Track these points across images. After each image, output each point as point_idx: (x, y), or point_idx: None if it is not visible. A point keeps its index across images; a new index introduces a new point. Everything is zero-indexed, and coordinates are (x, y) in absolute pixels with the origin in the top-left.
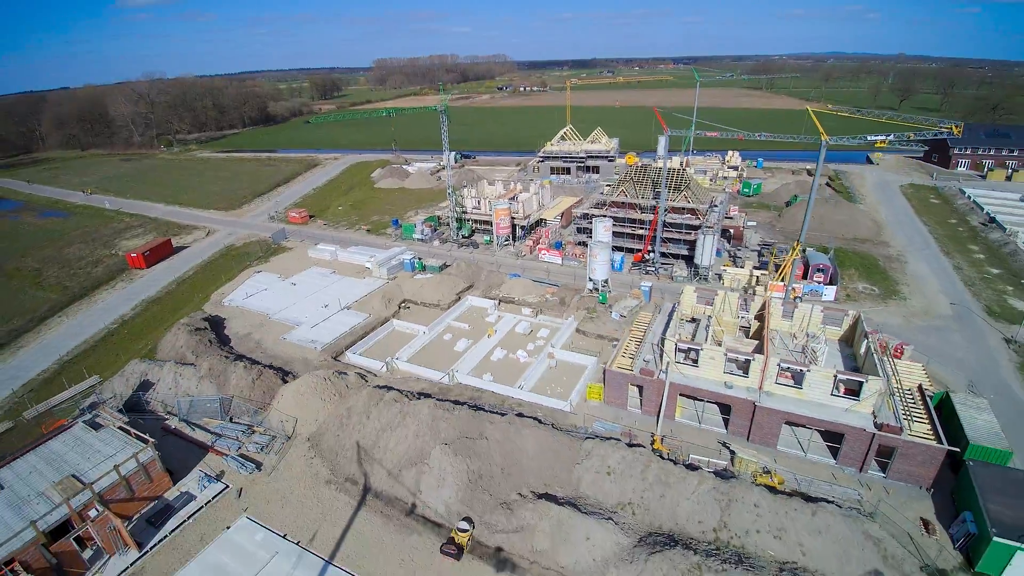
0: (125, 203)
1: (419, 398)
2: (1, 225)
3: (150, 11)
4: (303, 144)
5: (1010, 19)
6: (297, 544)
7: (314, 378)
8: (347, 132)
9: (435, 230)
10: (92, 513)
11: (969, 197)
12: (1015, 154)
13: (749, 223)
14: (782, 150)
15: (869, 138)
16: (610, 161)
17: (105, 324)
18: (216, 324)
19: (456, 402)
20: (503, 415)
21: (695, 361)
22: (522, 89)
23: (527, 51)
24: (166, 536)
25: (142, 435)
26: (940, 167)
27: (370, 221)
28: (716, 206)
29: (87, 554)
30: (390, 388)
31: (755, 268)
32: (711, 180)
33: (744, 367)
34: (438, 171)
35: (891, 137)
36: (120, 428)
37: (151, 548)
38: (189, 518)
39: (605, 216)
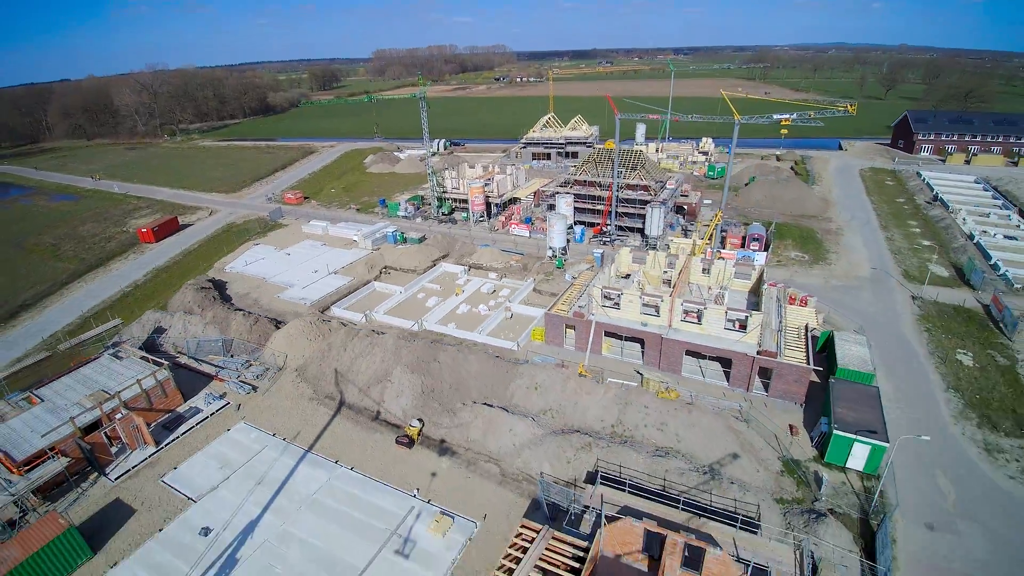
0: (132, 187)
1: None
2: (16, 208)
3: (150, 3)
4: (301, 133)
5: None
6: (283, 440)
7: (302, 322)
8: (343, 122)
9: (418, 208)
10: (119, 416)
11: (923, 179)
12: (977, 139)
13: (705, 201)
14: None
15: (775, 116)
16: (588, 147)
17: (120, 288)
18: (219, 286)
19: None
20: (454, 346)
21: (618, 305)
22: (519, 79)
23: (528, 41)
24: (178, 437)
25: (159, 360)
26: (904, 152)
27: (360, 201)
28: (669, 185)
29: (114, 450)
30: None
31: (700, 239)
32: (681, 164)
33: (656, 308)
34: (426, 157)
35: (794, 116)
36: (140, 358)
37: (166, 444)
38: (197, 424)
39: (568, 193)
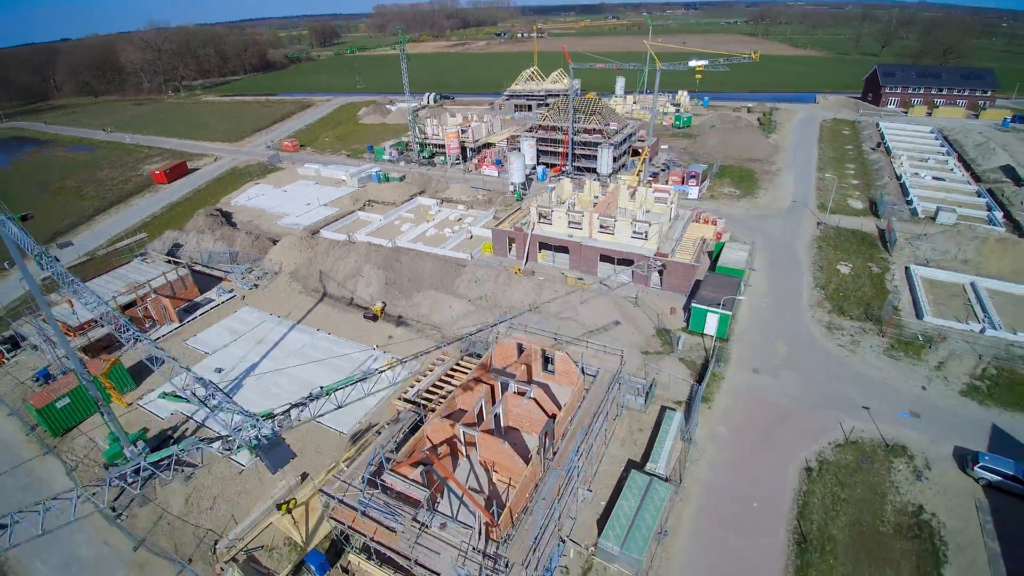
0: (142, 138)
1: None
2: (36, 159)
3: None
4: (300, 88)
5: None
6: (278, 317)
7: (294, 238)
8: (340, 77)
9: (401, 153)
10: (151, 298)
11: (879, 128)
12: (944, 92)
13: (663, 147)
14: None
15: (690, 63)
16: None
17: (140, 218)
18: (225, 215)
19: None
20: (413, 252)
21: (550, 221)
22: (520, 35)
23: None
24: (196, 317)
25: (179, 261)
26: (872, 105)
27: (351, 148)
28: (625, 130)
29: (148, 325)
30: None
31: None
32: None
33: (578, 223)
34: (417, 109)
35: (706, 63)
36: (165, 261)
37: (187, 321)
38: (211, 308)
39: (532, 136)
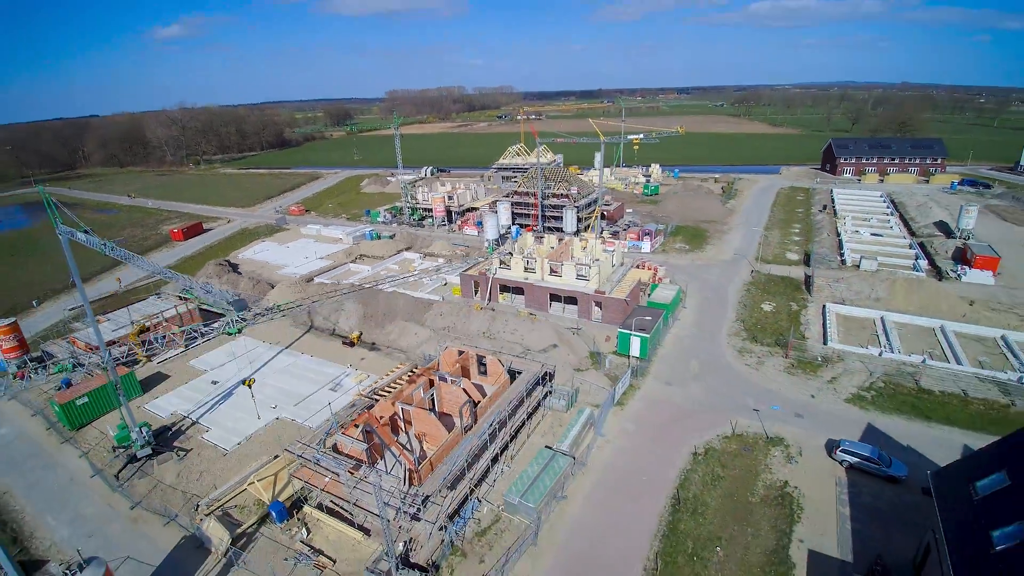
0: (163, 203)
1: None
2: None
3: (179, 43)
4: (311, 163)
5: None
6: (270, 344)
7: (289, 281)
8: (348, 154)
9: (394, 216)
10: (162, 325)
11: (831, 194)
12: (895, 161)
13: (628, 210)
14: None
15: (629, 137)
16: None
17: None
18: (232, 266)
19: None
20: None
21: (508, 266)
22: (519, 117)
23: (537, 81)
24: (199, 342)
25: (189, 298)
26: (829, 174)
27: (351, 213)
28: (587, 194)
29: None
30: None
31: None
32: (625, 185)
33: (531, 268)
34: (415, 181)
35: (641, 136)
36: (177, 296)
37: (191, 346)
38: (213, 336)
39: (508, 200)
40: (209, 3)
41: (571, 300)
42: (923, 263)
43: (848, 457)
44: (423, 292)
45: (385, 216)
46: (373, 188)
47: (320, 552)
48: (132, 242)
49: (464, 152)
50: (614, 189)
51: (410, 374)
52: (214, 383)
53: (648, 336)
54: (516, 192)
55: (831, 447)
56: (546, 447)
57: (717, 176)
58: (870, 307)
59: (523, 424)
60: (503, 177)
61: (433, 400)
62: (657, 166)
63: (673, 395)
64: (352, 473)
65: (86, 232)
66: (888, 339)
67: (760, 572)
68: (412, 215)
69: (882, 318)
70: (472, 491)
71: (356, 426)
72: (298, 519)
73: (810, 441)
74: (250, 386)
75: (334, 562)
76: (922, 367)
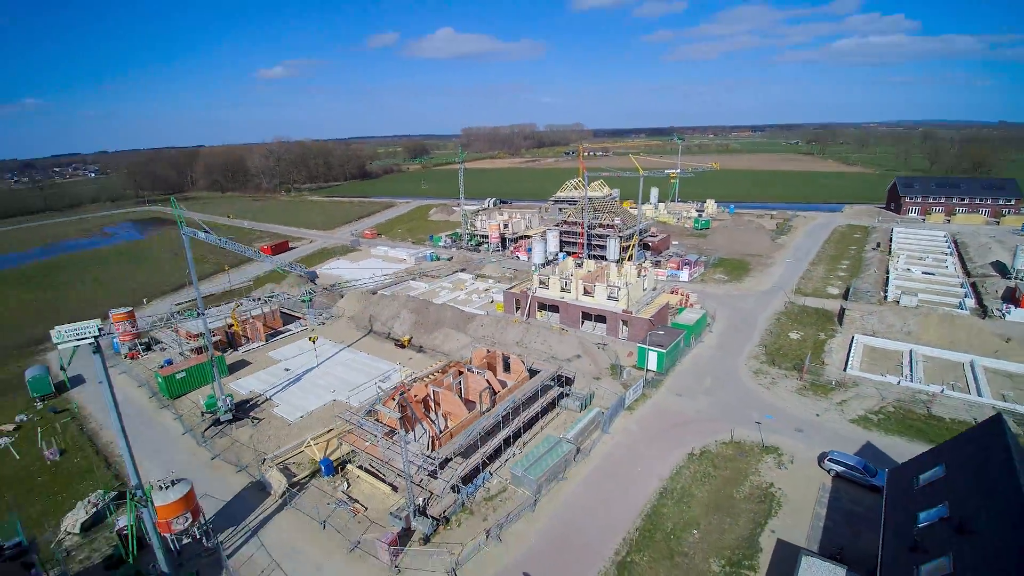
0: (257, 225)
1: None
2: (169, 234)
3: (280, 83)
4: (387, 193)
5: None
6: (334, 342)
7: (356, 293)
8: (419, 186)
9: (454, 241)
10: (248, 323)
11: (890, 233)
12: (964, 201)
13: (674, 242)
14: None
15: (666, 171)
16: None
17: (248, 278)
18: (311, 279)
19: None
20: (438, 305)
21: (546, 285)
22: (586, 154)
23: (608, 119)
24: (278, 337)
25: (270, 299)
26: (893, 213)
27: (417, 237)
28: (632, 226)
29: (244, 341)
30: None
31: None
32: (678, 219)
33: (567, 288)
34: (477, 211)
35: (678, 170)
36: (261, 300)
37: (272, 339)
38: (290, 333)
39: (556, 229)
40: (309, 48)
41: (601, 319)
42: (969, 301)
43: (835, 466)
44: (471, 307)
45: (446, 241)
46: (439, 216)
47: (356, 501)
48: (230, 255)
49: (528, 186)
50: (665, 223)
51: (445, 368)
52: (286, 370)
53: (664, 351)
54: (565, 222)
55: (822, 458)
56: (551, 435)
57: (774, 213)
58: (900, 340)
59: (538, 417)
60: (559, 209)
61: (460, 387)
62: (712, 201)
63: (682, 405)
64: (386, 438)
65: (206, 232)
66: (912, 370)
67: (729, 553)
68: (470, 241)
69: (911, 351)
70: (485, 464)
71: (392, 399)
72: (341, 475)
73: (804, 453)
74: (313, 341)
75: (366, 509)
76: (937, 396)
